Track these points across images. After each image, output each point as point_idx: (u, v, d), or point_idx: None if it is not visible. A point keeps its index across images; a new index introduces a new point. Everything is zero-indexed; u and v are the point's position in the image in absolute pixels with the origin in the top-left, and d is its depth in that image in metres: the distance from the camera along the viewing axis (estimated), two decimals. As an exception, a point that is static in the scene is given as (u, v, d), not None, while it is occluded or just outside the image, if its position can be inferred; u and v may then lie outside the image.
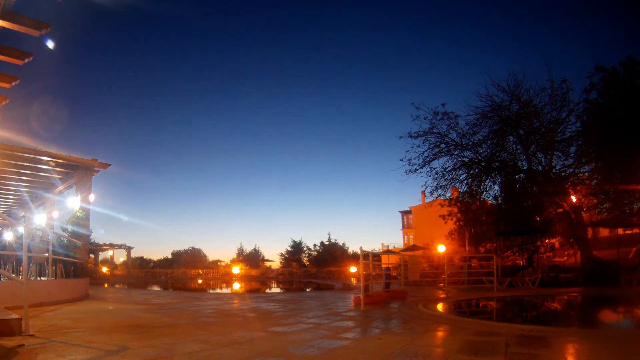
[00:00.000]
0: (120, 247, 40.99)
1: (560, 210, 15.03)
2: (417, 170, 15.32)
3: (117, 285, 22.39)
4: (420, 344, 4.12)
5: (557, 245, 26.40)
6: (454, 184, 15.81)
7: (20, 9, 4.60)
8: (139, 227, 74.28)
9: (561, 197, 14.24)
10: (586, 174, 14.89)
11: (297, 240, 44.74)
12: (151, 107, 73.84)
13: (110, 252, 41.34)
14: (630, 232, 19.42)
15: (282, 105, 75.93)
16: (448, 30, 61.80)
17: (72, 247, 10.10)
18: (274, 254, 56.71)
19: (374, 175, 77.65)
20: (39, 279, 9.58)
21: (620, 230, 17.53)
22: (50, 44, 5.16)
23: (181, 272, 38.77)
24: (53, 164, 10.64)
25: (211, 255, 48.77)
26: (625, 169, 12.73)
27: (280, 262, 44.47)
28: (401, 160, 15.39)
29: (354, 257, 33.73)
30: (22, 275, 5.45)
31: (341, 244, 43.15)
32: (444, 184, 15.53)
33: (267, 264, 44.44)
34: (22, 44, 5.25)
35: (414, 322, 5.54)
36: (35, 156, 9.96)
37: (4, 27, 4.71)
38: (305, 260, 43.86)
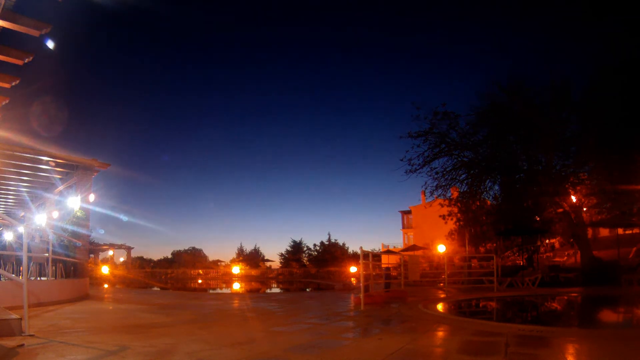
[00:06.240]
0: (120, 247, 40.97)
1: (560, 210, 15.01)
2: (417, 170, 15.28)
3: (117, 286, 22.40)
4: (421, 344, 4.12)
5: (557, 245, 26.39)
6: (454, 184, 15.78)
7: (20, 9, 4.59)
8: (139, 227, 74.18)
9: (561, 197, 14.22)
10: (586, 174, 14.88)
11: (297, 240, 44.74)
12: (151, 107, 73.91)
13: (110, 252, 41.30)
14: (630, 232, 19.39)
15: (281, 105, 76.02)
16: (449, 30, 61.78)
17: (72, 247, 10.09)
18: (274, 254, 56.61)
19: (374, 175, 77.72)
20: (39, 279, 9.57)
21: (620, 230, 17.49)
22: (50, 44, 5.15)
23: (181, 272, 38.74)
24: (53, 164, 10.61)
25: (211, 255, 48.69)
26: (625, 169, 12.72)
27: (280, 262, 44.43)
28: (401, 160, 15.35)
29: (354, 257, 33.69)
30: (22, 276, 5.45)
31: (341, 244, 43.14)
32: (444, 184, 15.50)
33: (267, 264, 44.40)
34: (22, 44, 5.25)
35: (414, 322, 5.54)
36: (35, 156, 9.94)
37: (4, 27, 4.71)
38: (305, 260, 43.83)
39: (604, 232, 23.68)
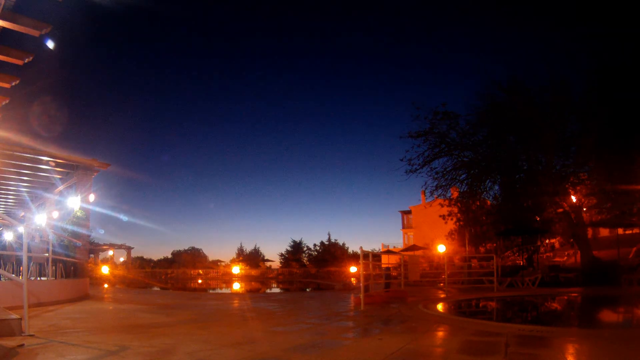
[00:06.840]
0: (120, 247, 40.98)
1: (560, 210, 15.00)
2: (417, 170, 15.29)
3: (117, 285, 22.40)
4: (421, 344, 4.12)
5: (557, 245, 26.39)
6: (454, 184, 15.79)
7: (20, 9, 4.59)
8: (139, 227, 74.25)
9: (561, 197, 14.22)
10: (586, 174, 14.87)
11: (297, 240, 44.73)
12: (151, 107, 73.93)
13: (110, 252, 41.30)
14: (630, 232, 19.38)
15: (281, 105, 76.09)
16: (449, 30, 61.78)
17: (72, 247, 10.09)
18: (274, 254, 56.63)
19: (374, 175, 77.88)
20: (39, 279, 9.57)
21: (620, 230, 17.50)
22: (50, 44, 5.15)
23: (181, 272, 38.74)
24: (53, 164, 10.61)
25: (211, 255, 48.67)
26: (626, 169, 12.71)
27: (280, 262, 44.42)
28: (401, 160, 15.36)
29: (354, 257, 33.68)
30: (22, 276, 5.45)
31: (341, 244, 43.12)
32: (444, 184, 15.51)
33: (267, 264, 44.39)
34: (22, 44, 5.25)
35: (414, 322, 5.54)
36: (35, 156, 9.94)
37: (4, 27, 4.71)
38: (305, 260, 43.81)
39: (604, 232, 23.68)
